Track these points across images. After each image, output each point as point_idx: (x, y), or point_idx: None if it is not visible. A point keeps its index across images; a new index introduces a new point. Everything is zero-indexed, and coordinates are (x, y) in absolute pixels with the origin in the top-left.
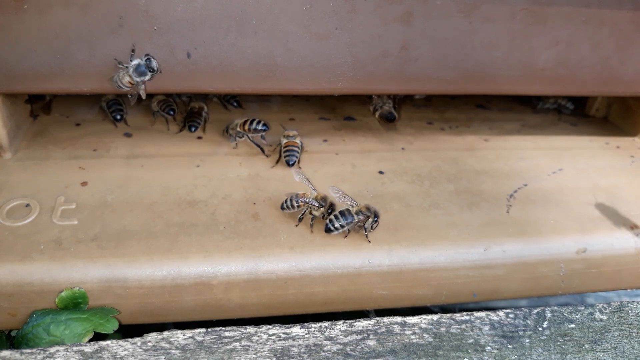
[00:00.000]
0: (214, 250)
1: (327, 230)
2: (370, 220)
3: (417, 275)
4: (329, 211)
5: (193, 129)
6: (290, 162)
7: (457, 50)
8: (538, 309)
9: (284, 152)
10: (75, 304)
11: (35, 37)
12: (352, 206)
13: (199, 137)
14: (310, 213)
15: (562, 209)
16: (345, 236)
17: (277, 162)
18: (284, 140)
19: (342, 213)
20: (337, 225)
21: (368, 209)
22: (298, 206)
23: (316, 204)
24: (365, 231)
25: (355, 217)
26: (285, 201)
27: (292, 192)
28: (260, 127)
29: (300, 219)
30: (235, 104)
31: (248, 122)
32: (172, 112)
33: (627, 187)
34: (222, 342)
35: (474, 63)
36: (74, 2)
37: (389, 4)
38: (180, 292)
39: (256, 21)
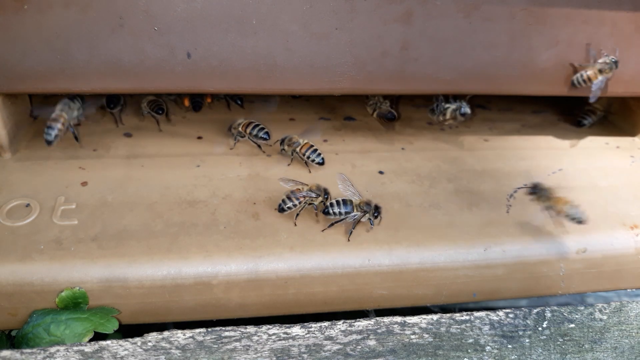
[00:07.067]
0: (214, 250)
1: (326, 213)
2: (368, 215)
3: (417, 275)
4: (325, 197)
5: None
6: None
7: (457, 50)
8: (538, 309)
9: (311, 151)
10: (75, 304)
11: (35, 37)
12: (352, 200)
13: (199, 137)
14: (311, 204)
15: None
16: (335, 222)
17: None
18: (302, 142)
19: (344, 202)
20: (335, 210)
21: (368, 204)
22: (299, 202)
23: (314, 194)
24: (353, 227)
25: (355, 209)
26: (284, 201)
27: (285, 192)
28: (261, 134)
29: (297, 216)
30: (239, 102)
31: (251, 127)
32: (160, 112)
33: (627, 187)
34: (222, 342)
35: (474, 63)
36: (74, 2)
37: (389, 4)
38: (181, 292)
39: (256, 21)
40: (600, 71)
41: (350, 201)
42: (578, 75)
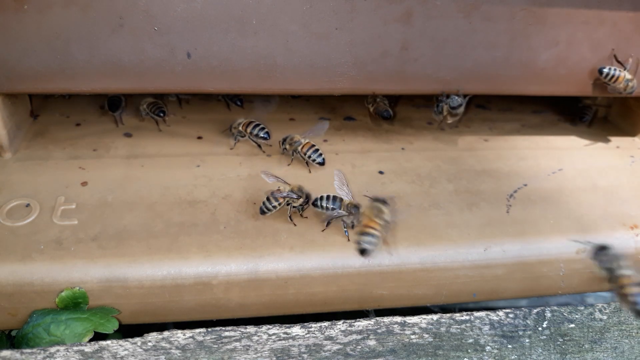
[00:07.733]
0: (214, 250)
1: (314, 205)
2: (352, 218)
3: (417, 275)
4: (306, 200)
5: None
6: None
7: (457, 50)
8: (538, 309)
9: (312, 151)
10: (75, 304)
11: (35, 37)
12: (343, 198)
13: (199, 137)
14: (293, 207)
15: (562, 209)
16: (325, 226)
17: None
18: (303, 142)
19: (334, 198)
20: (323, 204)
21: (356, 207)
22: (279, 203)
23: (295, 195)
24: (345, 227)
25: (343, 208)
26: (265, 204)
27: (267, 192)
28: (262, 134)
29: (291, 218)
30: (239, 102)
31: (251, 126)
32: (162, 114)
33: (627, 187)
34: (222, 342)
35: (474, 63)
36: (74, 2)
37: (389, 4)
38: (181, 292)
39: (256, 21)
40: (627, 81)
41: (340, 199)
42: (610, 67)
